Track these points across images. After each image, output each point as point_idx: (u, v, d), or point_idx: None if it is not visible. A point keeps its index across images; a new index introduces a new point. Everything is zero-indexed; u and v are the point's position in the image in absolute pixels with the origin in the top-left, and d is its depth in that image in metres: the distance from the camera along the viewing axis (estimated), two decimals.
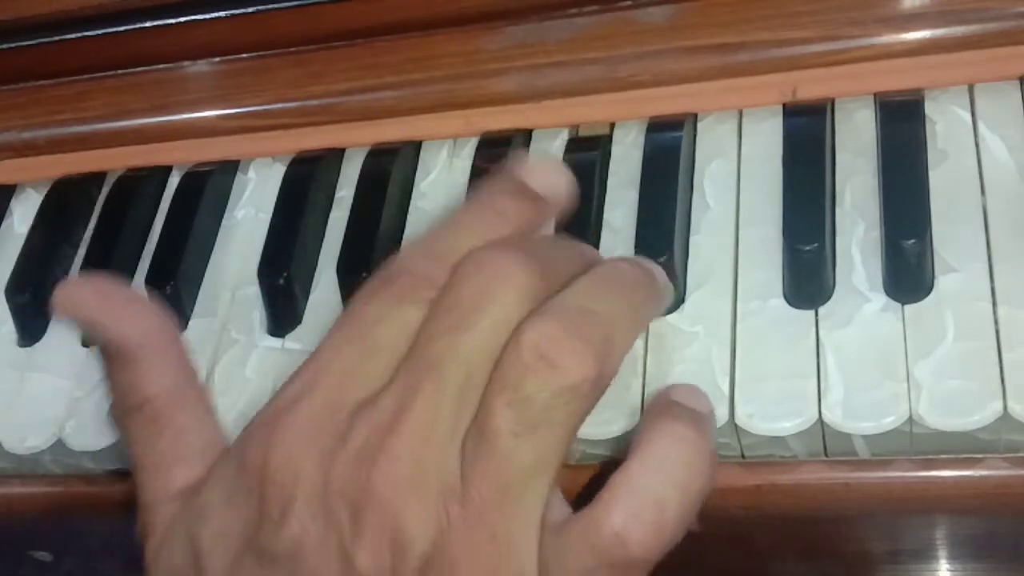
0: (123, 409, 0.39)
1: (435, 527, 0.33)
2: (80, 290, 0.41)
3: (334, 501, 0.34)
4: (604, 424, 0.42)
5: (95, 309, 0.40)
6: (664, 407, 0.37)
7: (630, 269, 0.39)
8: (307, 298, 0.50)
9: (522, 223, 0.39)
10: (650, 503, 0.34)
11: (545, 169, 0.40)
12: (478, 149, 0.52)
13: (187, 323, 0.51)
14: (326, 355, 0.37)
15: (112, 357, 0.40)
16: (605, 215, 0.48)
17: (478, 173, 0.51)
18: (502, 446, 0.34)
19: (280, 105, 0.55)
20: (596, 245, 0.47)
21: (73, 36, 0.57)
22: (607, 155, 0.50)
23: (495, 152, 0.51)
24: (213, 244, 0.54)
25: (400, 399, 0.34)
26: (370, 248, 0.49)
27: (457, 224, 0.38)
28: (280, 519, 0.34)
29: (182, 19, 0.55)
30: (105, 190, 0.57)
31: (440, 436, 0.34)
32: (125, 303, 0.40)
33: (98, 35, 0.57)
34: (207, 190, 0.55)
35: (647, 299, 0.39)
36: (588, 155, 0.50)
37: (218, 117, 0.56)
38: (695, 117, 0.50)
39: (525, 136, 0.52)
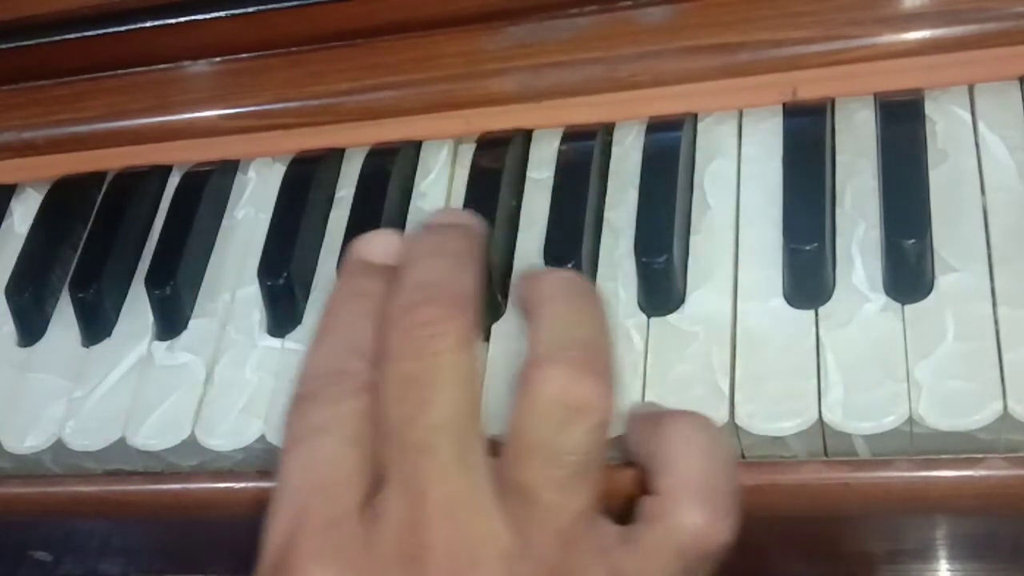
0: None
1: None
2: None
3: None
4: None
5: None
6: (657, 414, 0.38)
7: (565, 274, 0.39)
8: (307, 298, 0.50)
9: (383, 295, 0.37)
10: (716, 492, 0.35)
11: (377, 237, 0.40)
12: (478, 149, 0.52)
13: (187, 323, 0.51)
14: (297, 478, 0.34)
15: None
16: (605, 215, 0.48)
17: (478, 173, 0.51)
18: (551, 501, 0.33)
19: (280, 105, 0.55)
20: (596, 245, 0.47)
21: (73, 36, 0.57)
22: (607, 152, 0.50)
23: (495, 152, 0.51)
24: (213, 244, 0.54)
25: (409, 488, 0.33)
26: None
27: (331, 323, 0.38)
28: None
29: (182, 19, 0.55)
30: (105, 190, 0.57)
31: (470, 506, 0.33)
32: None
33: (98, 35, 0.57)
34: (207, 190, 0.55)
35: (594, 299, 0.38)
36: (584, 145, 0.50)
37: (218, 117, 0.56)
38: (695, 117, 0.50)
39: (525, 136, 0.52)
